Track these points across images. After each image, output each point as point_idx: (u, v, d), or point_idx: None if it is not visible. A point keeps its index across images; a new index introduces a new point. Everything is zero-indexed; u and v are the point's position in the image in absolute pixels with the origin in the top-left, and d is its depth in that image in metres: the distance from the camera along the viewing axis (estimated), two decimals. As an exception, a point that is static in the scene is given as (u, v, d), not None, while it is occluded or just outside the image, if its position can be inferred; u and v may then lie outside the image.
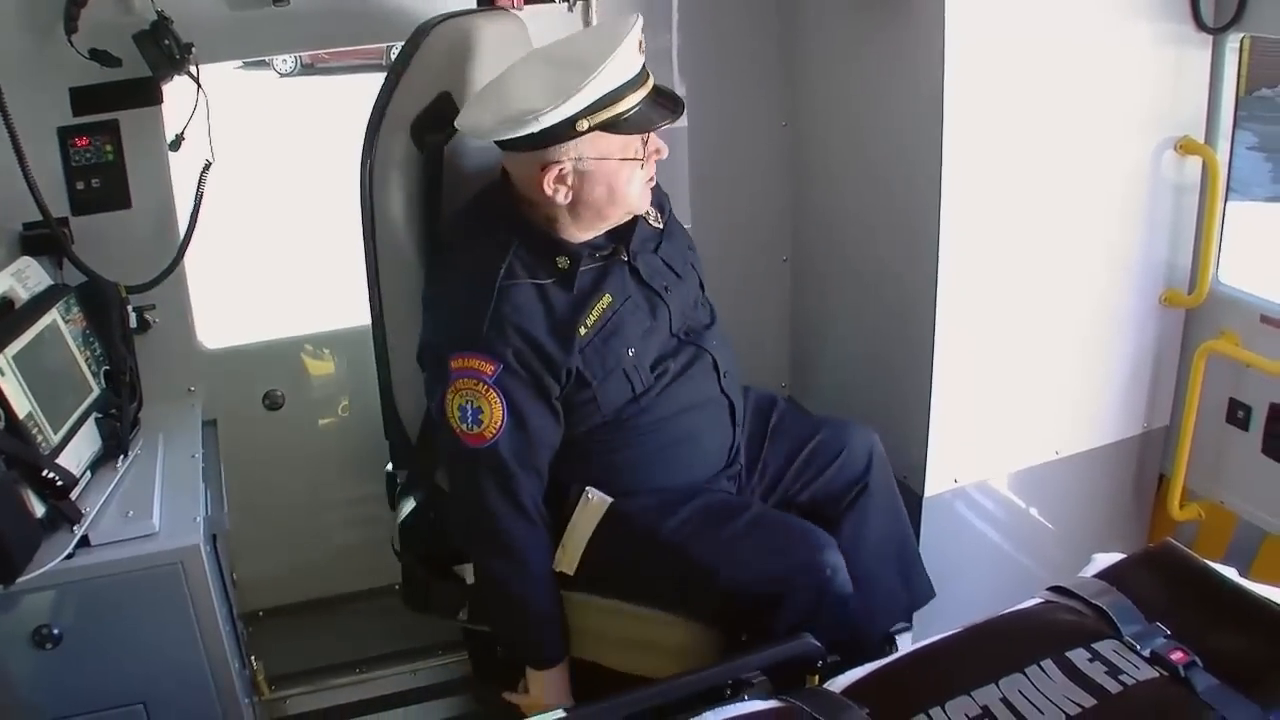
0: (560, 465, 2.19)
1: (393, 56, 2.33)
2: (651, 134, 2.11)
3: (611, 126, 2.04)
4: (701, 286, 2.38)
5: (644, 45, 2.06)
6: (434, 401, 2.14)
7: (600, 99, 2.01)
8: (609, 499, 2.19)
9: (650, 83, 2.09)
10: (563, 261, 2.12)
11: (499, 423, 2.05)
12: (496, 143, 2.10)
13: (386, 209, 2.26)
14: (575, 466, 2.20)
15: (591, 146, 2.05)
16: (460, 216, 2.24)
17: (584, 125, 2.02)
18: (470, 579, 2.33)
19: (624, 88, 2.03)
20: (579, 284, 2.12)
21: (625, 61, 2.01)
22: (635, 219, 2.21)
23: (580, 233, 2.15)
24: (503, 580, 2.19)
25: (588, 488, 2.20)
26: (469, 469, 2.12)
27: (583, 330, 2.10)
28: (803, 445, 2.39)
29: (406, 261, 2.28)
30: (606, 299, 2.14)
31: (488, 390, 2.04)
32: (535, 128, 2.00)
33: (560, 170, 2.06)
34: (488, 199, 2.21)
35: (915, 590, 2.43)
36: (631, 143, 2.08)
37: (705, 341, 2.28)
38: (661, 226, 2.30)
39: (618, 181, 2.10)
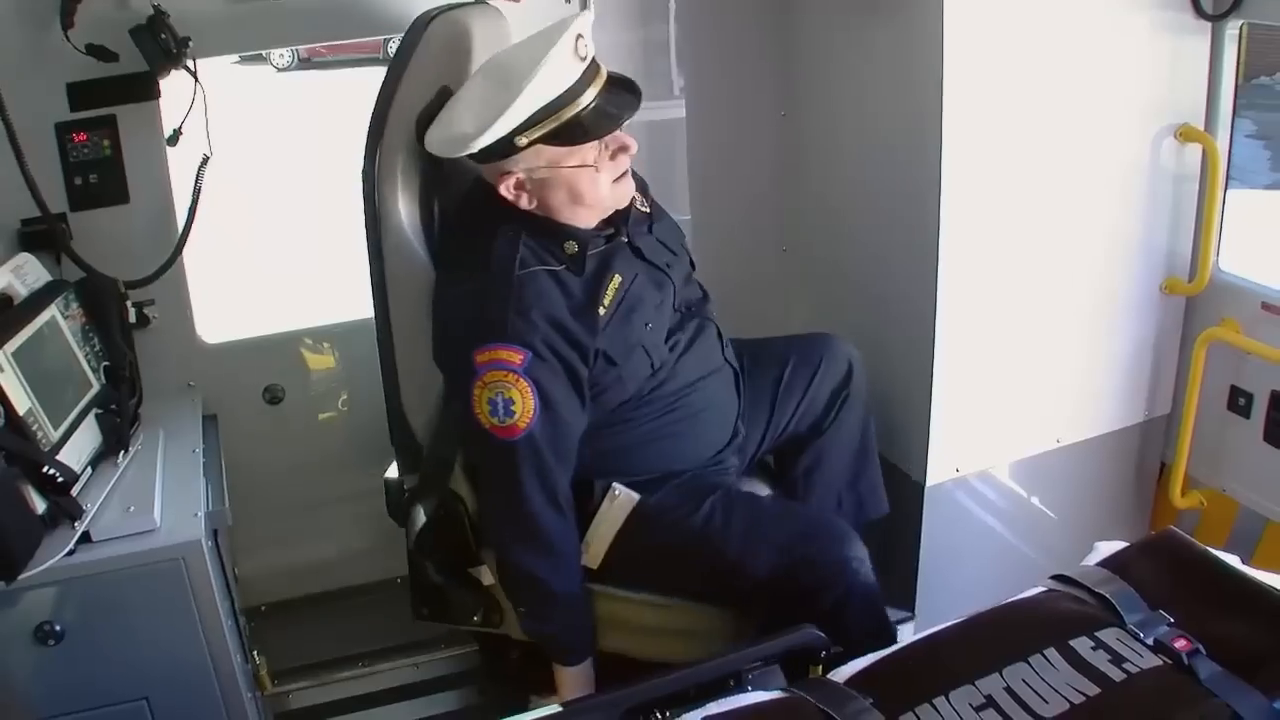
0: (584, 453, 2.18)
1: (390, 50, 2.31)
2: (622, 141, 2.09)
3: (554, 138, 2.02)
4: (692, 265, 2.39)
5: (587, 46, 2.02)
6: (459, 401, 2.11)
7: (535, 114, 1.99)
8: (636, 496, 2.19)
9: (600, 80, 2.05)
10: (571, 246, 2.12)
11: (531, 413, 2.03)
12: None
13: (392, 206, 2.20)
14: (600, 451, 2.20)
15: (537, 158, 2.05)
16: (461, 213, 2.24)
17: (523, 141, 2.01)
18: (487, 580, 2.32)
19: (563, 98, 2.00)
20: (589, 267, 2.13)
21: (554, 75, 1.98)
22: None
23: (573, 223, 2.15)
24: (539, 577, 2.16)
25: (614, 484, 2.20)
26: (503, 465, 2.09)
27: (601, 310, 2.10)
28: (781, 373, 2.43)
29: (415, 260, 2.23)
30: (617, 278, 2.14)
31: (518, 380, 2.01)
32: (474, 149, 2.01)
33: (516, 179, 2.07)
34: (480, 194, 2.19)
35: (867, 504, 2.50)
36: (579, 151, 2.05)
37: (707, 313, 2.33)
38: (648, 210, 2.31)
39: (579, 187, 2.09)
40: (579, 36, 1.99)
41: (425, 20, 2.27)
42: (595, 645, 2.26)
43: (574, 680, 2.25)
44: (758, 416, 2.41)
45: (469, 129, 2.00)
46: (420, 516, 2.36)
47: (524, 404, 2.02)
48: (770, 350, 2.47)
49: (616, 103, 2.06)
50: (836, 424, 2.44)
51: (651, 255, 2.24)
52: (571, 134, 2.03)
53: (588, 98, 2.02)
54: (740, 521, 2.16)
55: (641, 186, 2.31)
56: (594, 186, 2.10)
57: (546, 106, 1.99)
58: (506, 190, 2.08)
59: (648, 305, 2.18)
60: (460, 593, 2.36)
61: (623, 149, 2.11)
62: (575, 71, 2.00)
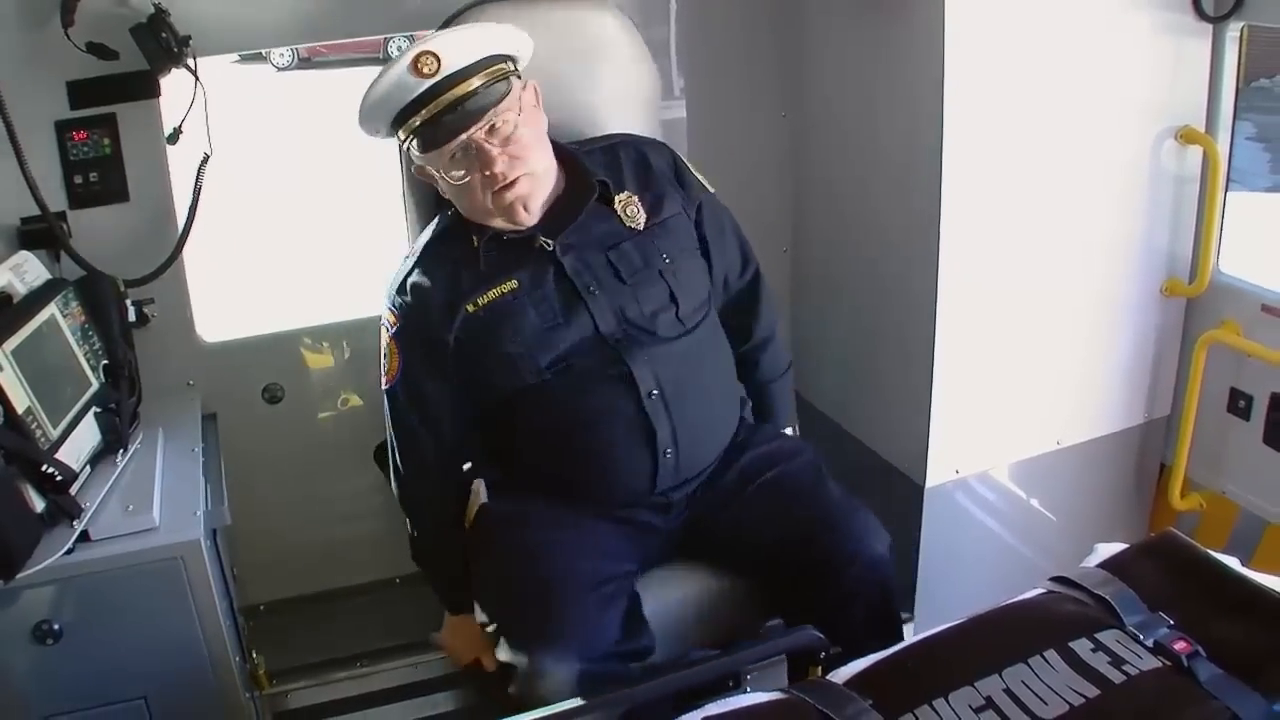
0: (483, 437, 2.23)
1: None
2: (481, 153, 2.02)
3: (414, 140, 2.08)
4: (674, 299, 2.15)
5: (435, 64, 1.98)
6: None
7: (399, 114, 2.04)
8: (485, 498, 2.18)
9: (458, 93, 2.00)
10: (474, 240, 2.14)
11: (395, 371, 2.18)
12: None
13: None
14: (489, 444, 2.23)
15: (415, 154, 2.11)
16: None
17: (401, 135, 2.09)
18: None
19: (410, 108, 2.02)
20: (488, 263, 2.12)
21: (393, 86, 2.01)
22: (586, 211, 2.13)
23: (476, 220, 2.14)
24: (406, 517, 2.30)
25: (477, 479, 2.21)
26: (386, 407, 2.24)
27: (470, 307, 2.11)
28: (794, 516, 2.15)
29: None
30: (512, 284, 2.11)
31: (391, 340, 2.19)
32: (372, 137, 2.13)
33: (421, 168, 2.13)
34: None
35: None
36: (437, 156, 2.06)
37: (631, 354, 2.08)
38: (640, 227, 2.17)
39: (453, 187, 2.10)
40: (422, 54, 1.98)
41: (464, 9, 2.31)
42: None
43: (450, 627, 2.35)
44: (755, 550, 2.17)
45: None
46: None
47: (391, 361, 2.19)
48: (799, 508, 2.17)
49: (458, 119, 2.02)
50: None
51: (574, 274, 2.10)
52: (421, 141, 2.07)
53: (431, 111, 2.01)
54: (518, 566, 2.07)
55: (654, 202, 2.19)
56: (465, 193, 2.09)
57: (405, 109, 2.03)
58: (417, 172, 2.16)
59: (528, 319, 2.08)
60: None
61: (489, 163, 2.03)
62: (419, 85, 1.99)
